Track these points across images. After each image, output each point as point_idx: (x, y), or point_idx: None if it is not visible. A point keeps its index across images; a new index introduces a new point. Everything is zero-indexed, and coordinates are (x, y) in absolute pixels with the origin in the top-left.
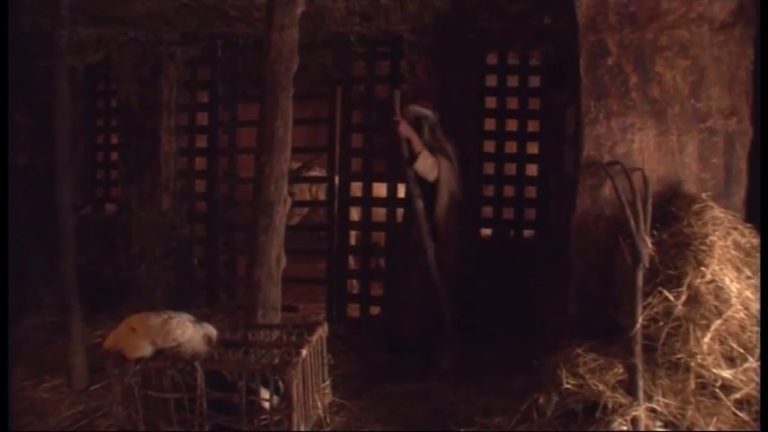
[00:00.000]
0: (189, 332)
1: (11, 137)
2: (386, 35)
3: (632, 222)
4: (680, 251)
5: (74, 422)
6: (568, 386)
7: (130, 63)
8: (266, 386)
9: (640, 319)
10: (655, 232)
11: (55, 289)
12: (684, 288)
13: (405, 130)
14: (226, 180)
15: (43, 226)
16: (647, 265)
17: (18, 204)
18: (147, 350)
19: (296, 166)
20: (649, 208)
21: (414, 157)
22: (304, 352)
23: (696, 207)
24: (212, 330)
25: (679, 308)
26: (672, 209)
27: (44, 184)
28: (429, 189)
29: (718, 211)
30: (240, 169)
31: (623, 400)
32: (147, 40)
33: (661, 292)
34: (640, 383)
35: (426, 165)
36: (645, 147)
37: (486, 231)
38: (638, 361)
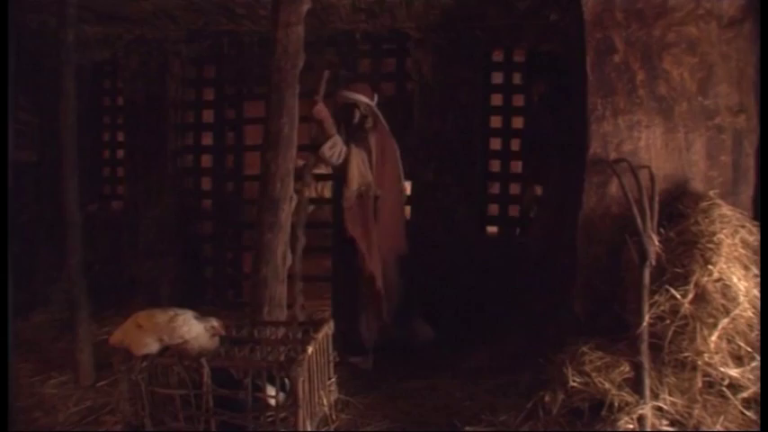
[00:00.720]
0: (195, 329)
1: (18, 135)
2: (391, 32)
3: (639, 220)
4: (687, 249)
5: (81, 418)
6: (574, 384)
7: (137, 61)
8: (272, 383)
9: (647, 318)
10: (662, 230)
11: (62, 286)
12: (691, 286)
13: (319, 111)
14: (232, 177)
15: (50, 223)
16: (653, 263)
17: (26, 201)
18: (153, 347)
19: (301, 163)
20: (656, 206)
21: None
22: (310, 349)
23: (703, 205)
24: (216, 323)
25: (686, 306)
26: (679, 207)
27: (51, 182)
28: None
29: (725, 209)
30: (246, 167)
31: (630, 399)
32: (153, 37)
33: (668, 290)
34: (647, 382)
35: (333, 151)
36: (652, 144)
37: (492, 229)
38: (645, 359)
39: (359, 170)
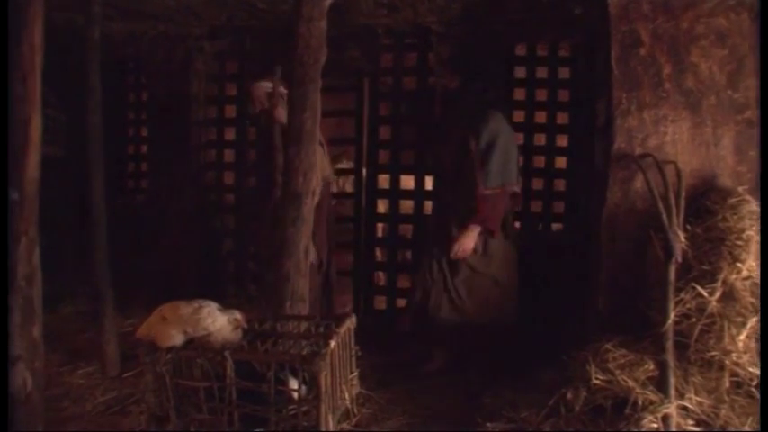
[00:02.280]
0: (219, 321)
1: (45, 131)
2: (414, 27)
3: (664, 216)
4: (714, 246)
5: (107, 407)
6: (597, 381)
7: (160, 57)
8: (295, 376)
9: (672, 315)
10: (688, 226)
11: (88, 279)
12: (719, 284)
13: (280, 112)
14: (254, 172)
15: (76, 217)
16: (679, 260)
17: (52, 196)
18: (178, 339)
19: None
20: (682, 202)
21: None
22: (332, 343)
23: (732, 201)
24: (239, 315)
25: (713, 304)
26: (706, 203)
27: (77, 176)
28: None
29: (754, 206)
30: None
31: (654, 397)
32: (176, 34)
33: (694, 288)
34: (672, 380)
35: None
36: (678, 139)
37: (515, 224)
38: (670, 357)
39: (322, 169)
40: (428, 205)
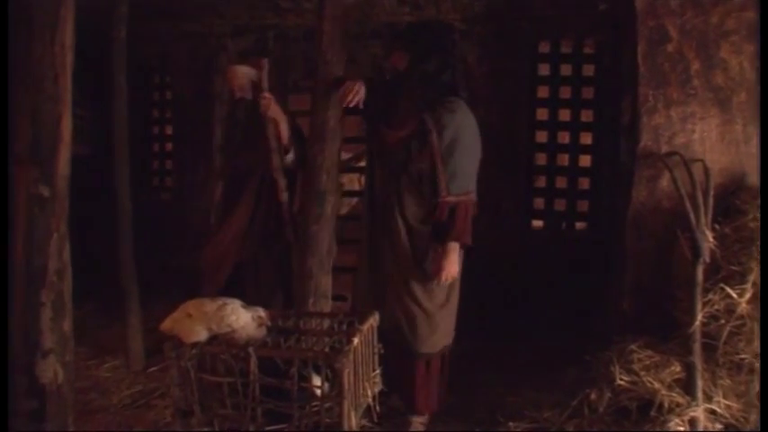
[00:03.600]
0: (243, 318)
1: (72, 129)
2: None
3: (692, 215)
4: (744, 246)
5: (133, 401)
6: (622, 383)
7: (184, 56)
8: (318, 373)
9: (700, 316)
10: (716, 226)
11: (114, 275)
12: (749, 285)
13: (275, 111)
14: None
15: (103, 214)
16: (707, 260)
17: (80, 193)
18: (202, 335)
19: (347, 156)
20: (711, 201)
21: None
22: (355, 340)
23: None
24: (263, 313)
25: (743, 306)
26: (736, 202)
27: (103, 174)
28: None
29: None
30: None
31: (681, 400)
32: (200, 33)
33: (723, 289)
34: (699, 383)
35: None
36: (707, 137)
37: (538, 223)
38: (697, 359)
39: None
40: None
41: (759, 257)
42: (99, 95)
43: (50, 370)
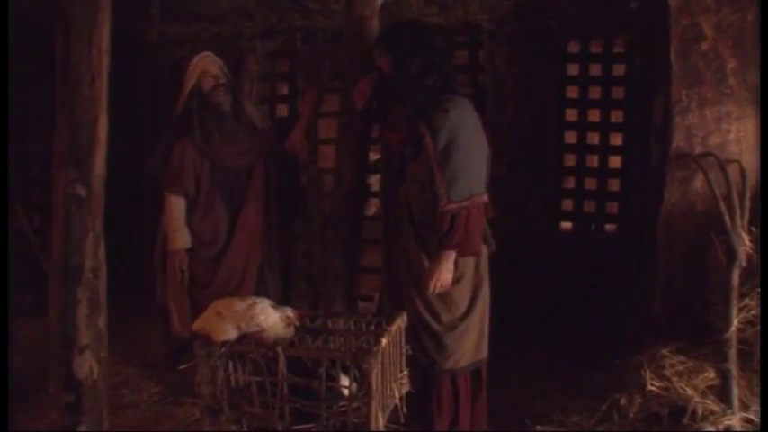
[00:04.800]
0: (272, 318)
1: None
2: (464, 25)
3: (727, 218)
4: None
5: (162, 397)
6: (653, 388)
7: None
8: (346, 373)
9: (735, 321)
10: (753, 229)
11: (145, 274)
12: None
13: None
14: (306, 170)
15: (136, 214)
16: (743, 264)
17: (115, 193)
18: (231, 334)
19: (375, 157)
20: (747, 203)
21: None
22: (384, 341)
23: None
24: (291, 312)
25: None
26: None
27: (134, 176)
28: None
29: None
30: (320, 160)
31: (715, 408)
32: (229, 35)
33: (760, 294)
34: (735, 390)
35: None
36: (743, 137)
37: (567, 225)
38: (733, 366)
39: None
40: None
41: None
42: (128, 96)
43: (86, 365)
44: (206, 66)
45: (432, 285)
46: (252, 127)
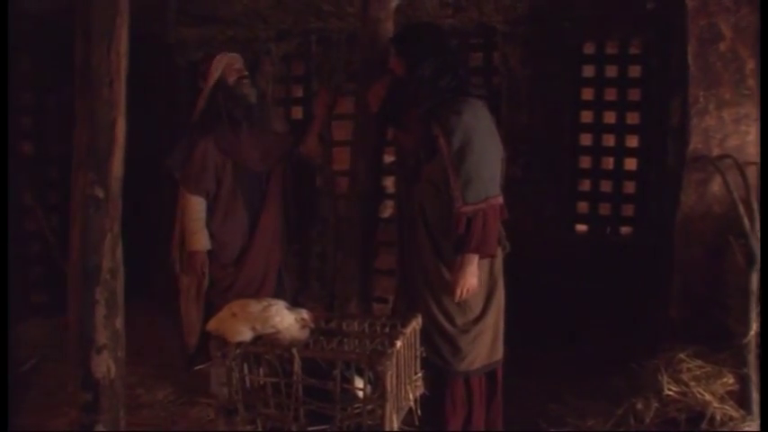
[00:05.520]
0: (287, 320)
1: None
2: (479, 26)
3: (746, 221)
4: None
5: (177, 397)
6: (670, 393)
7: None
8: (360, 375)
9: (755, 326)
10: None
11: (160, 273)
12: None
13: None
14: (320, 172)
15: (148, 215)
16: None
17: (131, 194)
18: (247, 335)
19: (390, 159)
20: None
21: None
22: (399, 343)
23: None
24: (307, 314)
25: None
26: None
27: (150, 177)
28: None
29: None
30: (335, 161)
31: (734, 414)
32: (244, 37)
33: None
34: (755, 396)
35: None
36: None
37: (582, 227)
38: (753, 371)
39: None
40: None
41: None
42: (143, 99)
43: (104, 365)
44: (230, 60)
45: (458, 292)
46: (273, 131)
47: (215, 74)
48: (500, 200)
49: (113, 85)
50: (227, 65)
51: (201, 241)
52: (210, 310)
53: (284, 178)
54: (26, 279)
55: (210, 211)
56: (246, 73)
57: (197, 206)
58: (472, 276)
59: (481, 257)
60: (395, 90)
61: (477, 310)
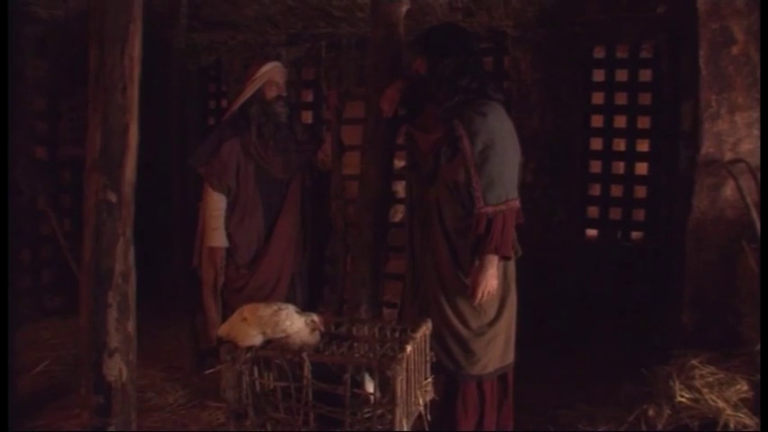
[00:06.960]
0: (297, 324)
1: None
2: (489, 31)
3: (759, 225)
4: None
5: (188, 401)
6: (682, 399)
7: (239, 65)
8: (371, 379)
9: None
10: None
11: (171, 278)
12: None
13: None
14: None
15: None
16: None
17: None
18: (257, 339)
19: (400, 164)
20: None
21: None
22: (409, 348)
23: None
24: (317, 318)
25: None
26: None
27: (162, 181)
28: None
29: None
30: (345, 166)
31: (748, 421)
32: (255, 42)
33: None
34: None
35: None
36: None
37: (592, 232)
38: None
39: None
40: None
41: None
42: (155, 103)
43: (116, 368)
44: (274, 75)
45: (479, 294)
46: (295, 140)
47: (256, 84)
48: (518, 203)
49: (127, 91)
50: (270, 77)
51: (220, 238)
52: (226, 308)
53: (303, 186)
54: (39, 282)
55: (230, 210)
56: (285, 93)
57: (218, 203)
58: (493, 278)
59: (500, 259)
60: (413, 90)
61: (491, 313)
